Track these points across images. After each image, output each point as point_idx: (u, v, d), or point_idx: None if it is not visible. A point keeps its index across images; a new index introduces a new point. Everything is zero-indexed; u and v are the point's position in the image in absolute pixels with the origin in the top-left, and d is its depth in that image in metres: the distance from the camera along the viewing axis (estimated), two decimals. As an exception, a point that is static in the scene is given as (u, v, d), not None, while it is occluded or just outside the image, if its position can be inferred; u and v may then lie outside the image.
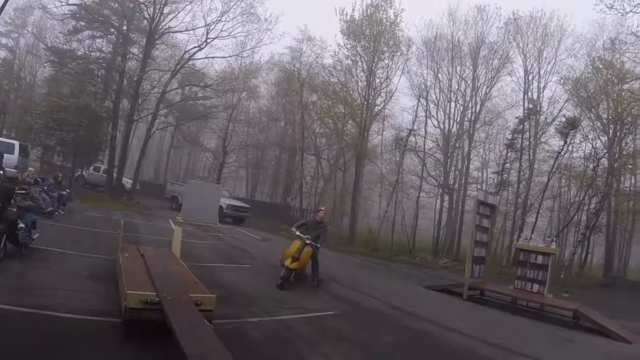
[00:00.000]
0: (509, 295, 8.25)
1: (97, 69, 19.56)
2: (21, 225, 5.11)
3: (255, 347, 3.71)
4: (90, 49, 19.65)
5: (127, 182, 20.03)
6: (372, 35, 19.22)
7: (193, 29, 19.15)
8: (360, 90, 20.10)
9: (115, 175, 18.84)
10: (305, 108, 20.93)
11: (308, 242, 6.22)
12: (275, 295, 5.68)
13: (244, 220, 17.29)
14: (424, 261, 15.81)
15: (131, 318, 3.32)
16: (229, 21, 19.23)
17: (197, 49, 19.37)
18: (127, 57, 18.75)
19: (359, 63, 19.88)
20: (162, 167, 29.52)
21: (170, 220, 12.56)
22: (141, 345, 3.25)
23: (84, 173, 20.91)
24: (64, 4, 17.48)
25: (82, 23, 19.07)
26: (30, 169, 10.98)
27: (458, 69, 19.71)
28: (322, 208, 7.02)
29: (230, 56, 21.22)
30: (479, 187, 19.17)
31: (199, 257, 7.70)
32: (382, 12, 19.27)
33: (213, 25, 19.12)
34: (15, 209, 5.07)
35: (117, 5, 18.91)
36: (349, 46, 19.77)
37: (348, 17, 19.38)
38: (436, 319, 5.75)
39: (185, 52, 19.72)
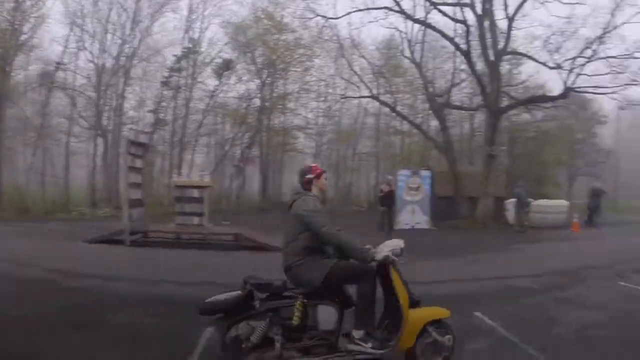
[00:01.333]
0: (172, 232, 11.11)
1: None
2: None
3: None
4: None
5: None
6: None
7: None
8: (6, 13, 21.71)
9: None
10: None
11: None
12: None
13: None
14: (82, 214, 18.78)
15: None
16: None
17: None
18: None
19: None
20: None
21: None
22: None
23: None
24: None
25: None
26: None
27: (120, -3, 23.69)
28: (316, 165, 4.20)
29: None
30: (135, 127, 22.95)
31: None
32: None
33: None
34: None
35: None
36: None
37: None
38: (99, 272, 7.31)
39: None
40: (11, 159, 24.19)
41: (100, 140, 23.39)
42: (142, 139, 12.26)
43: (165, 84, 23.11)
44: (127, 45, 23.76)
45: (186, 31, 24.25)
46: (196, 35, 24.26)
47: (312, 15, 20.74)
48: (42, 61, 23.46)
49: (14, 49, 21.72)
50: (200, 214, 11.12)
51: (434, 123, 21.82)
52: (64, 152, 22.61)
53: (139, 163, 11.68)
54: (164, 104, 23.26)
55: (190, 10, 24.44)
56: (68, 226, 15.17)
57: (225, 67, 22.93)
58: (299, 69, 23.61)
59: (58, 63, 22.45)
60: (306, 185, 3.87)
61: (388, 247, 3.50)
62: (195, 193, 11.25)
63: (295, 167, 27.24)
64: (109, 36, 23.68)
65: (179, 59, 23.22)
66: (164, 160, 23.58)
